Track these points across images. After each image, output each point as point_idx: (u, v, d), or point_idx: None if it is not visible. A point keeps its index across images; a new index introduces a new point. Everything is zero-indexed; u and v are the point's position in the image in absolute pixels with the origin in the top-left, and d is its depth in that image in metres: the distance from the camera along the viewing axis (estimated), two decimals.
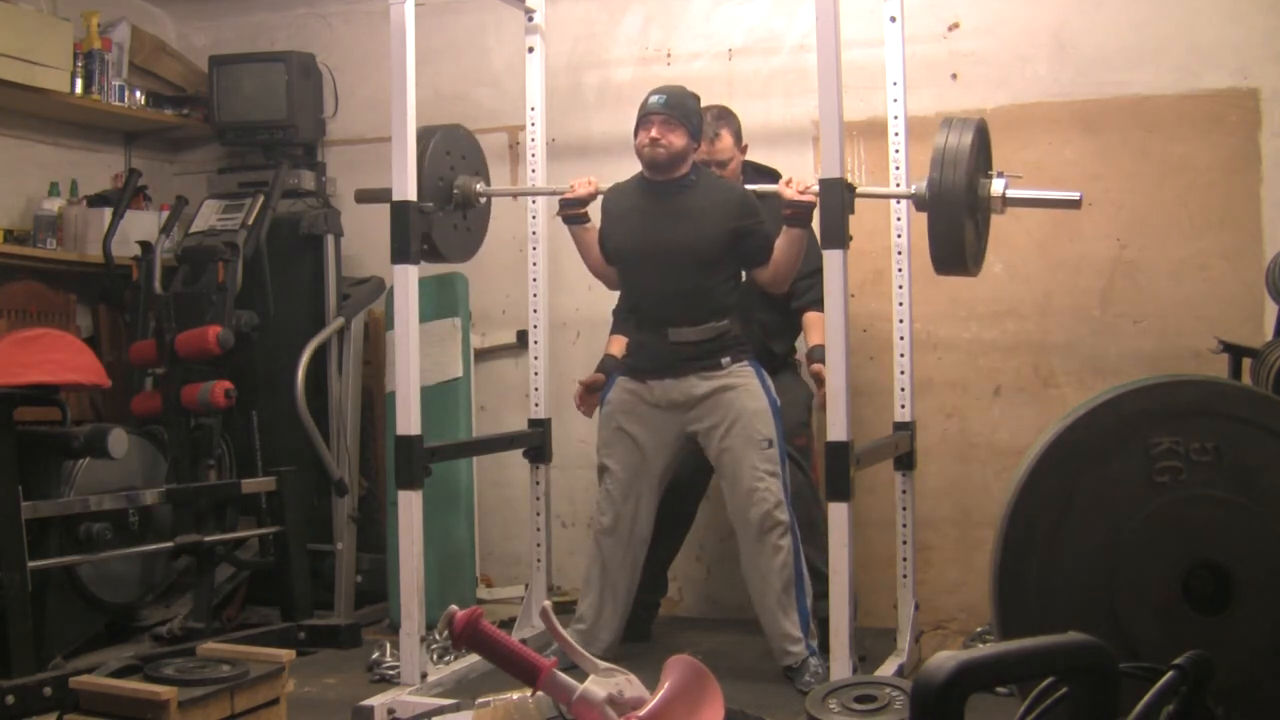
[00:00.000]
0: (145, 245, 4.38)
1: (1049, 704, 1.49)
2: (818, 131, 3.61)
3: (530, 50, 4.00)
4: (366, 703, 3.13)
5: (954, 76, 4.12)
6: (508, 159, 4.70)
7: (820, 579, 3.32)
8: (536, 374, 4.02)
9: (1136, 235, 3.93)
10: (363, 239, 4.63)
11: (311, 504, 4.32)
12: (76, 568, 3.67)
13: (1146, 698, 1.49)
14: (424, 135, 3.46)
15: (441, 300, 4.35)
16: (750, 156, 3.96)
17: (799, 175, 4.08)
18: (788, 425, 3.61)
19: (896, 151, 3.68)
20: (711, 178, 3.59)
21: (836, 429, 3.00)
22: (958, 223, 3.07)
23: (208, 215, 4.51)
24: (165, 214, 4.62)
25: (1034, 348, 4.03)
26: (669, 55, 4.50)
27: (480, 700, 2.31)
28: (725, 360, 3.48)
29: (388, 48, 3.25)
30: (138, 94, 4.74)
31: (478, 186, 3.70)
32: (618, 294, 4.02)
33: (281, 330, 4.30)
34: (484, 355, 4.66)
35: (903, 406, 3.69)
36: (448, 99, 4.69)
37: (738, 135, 3.86)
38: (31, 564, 3.34)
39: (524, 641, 2.83)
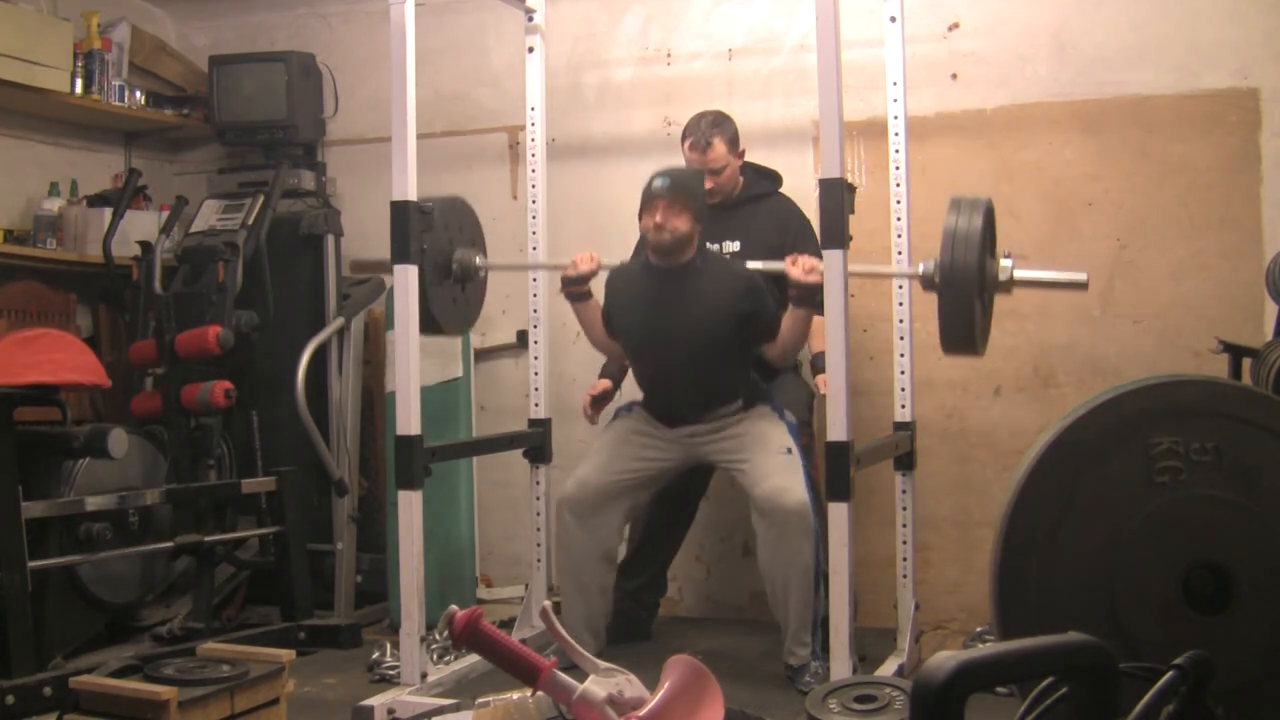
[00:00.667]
0: (145, 245, 4.38)
1: (1049, 704, 1.49)
2: (818, 131, 3.61)
3: (530, 50, 4.00)
4: (366, 703, 3.13)
5: (954, 76, 4.12)
6: (508, 159, 4.70)
7: (821, 579, 3.32)
8: (536, 374, 4.02)
9: (1136, 235, 3.93)
10: (363, 239, 4.63)
11: (311, 504, 4.32)
12: (76, 568, 3.66)
13: (1146, 698, 1.49)
14: (424, 209, 3.39)
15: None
16: (750, 157, 3.96)
17: (799, 176, 4.13)
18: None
19: (896, 151, 3.68)
20: (716, 260, 3.57)
21: (836, 429, 3.00)
22: (968, 305, 3.07)
23: (208, 215, 4.51)
24: (165, 214, 4.62)
25: (1034, 348, 4.03)
26: (669, 55, 4.50)
27: (480, 700, 2.31)
28: (739, 403, 3.52)
29: (388, 48, 3.25)
30: (138, 94, 4.75)
31: (477, 260, 3.71)
32: None
33: (281, 330, 4.30)
34: (484, 355, 4.66)
35: (903, 406, 3.69)
36: (448, 99, 4.69)
37: (733, 141, 3.84)
38: (31, 564, 3.34)
39: (524, 641, 2.83)
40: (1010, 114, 4.04)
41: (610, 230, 4.39)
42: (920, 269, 3.19)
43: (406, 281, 3.27)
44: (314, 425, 4.19)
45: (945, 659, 1.29)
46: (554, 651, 2.40)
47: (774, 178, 4.01)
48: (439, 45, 4.63)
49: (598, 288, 3.67)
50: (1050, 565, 2.20)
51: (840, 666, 3.00)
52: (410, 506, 3.24)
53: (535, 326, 4.04)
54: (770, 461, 3.40)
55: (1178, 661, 1.52)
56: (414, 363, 3.27)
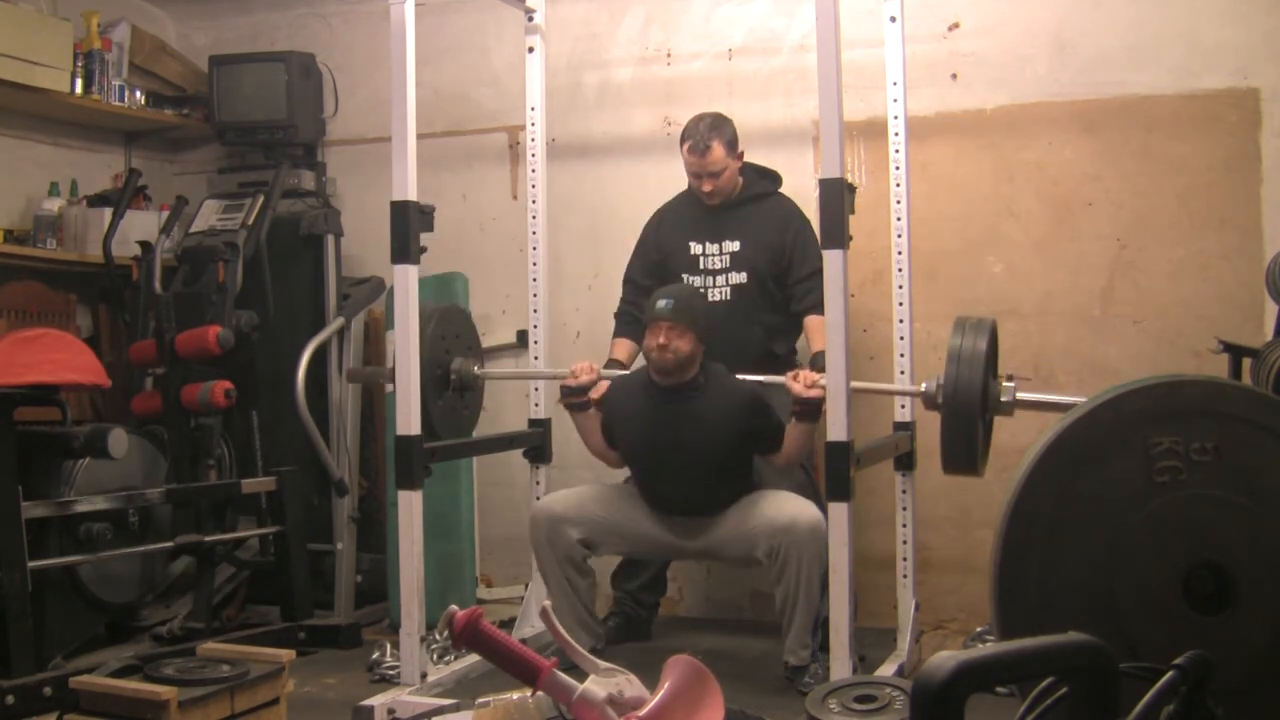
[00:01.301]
0: (145, 245, 4.38)
1: (1049, 704, 1.49)
2: (818, 131, 3.61)
3: (530, 50, 4.00)
4: (366, 703, 3.14)
5: (954, 76, 4.12)
6: (508, 159, 4.70)
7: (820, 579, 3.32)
8: None
9: (1136, 235, 3.93)
10: (363, 239, 4.63)
11: (311, 504, 4.32)
12: (76, 568, 3.66)
13: (1146, 698, 1.49)
14: (422, 319, 3.40)
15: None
16: (750, 157, 3.95)
17: (799, 176, 4.13)
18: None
19: (896, 151, 3.68)
20: (718, 377, 3.54)
21: (836, 429, 3.00)
22: (972, 426, 3.07)
23: (208, 215, 4.51)
24: (165, 214, 4.62)
25: (1034, 348, 4.03)
26: (669, 55, 4.50)
27: (480, 700, 2.31)
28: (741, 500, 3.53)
29: (388, 48, 3.25)
30: (138, 94, 4.75)
31: (475, 370, 3.70)
32: (619, 294, 4.03)
33: (281, 330, 4.30)
34: (484, 355, 4.65)
35: (903, 406, 3.70)
36: (448, 99, 4.69)
37: (731, 144, 3.83)
38: (31, 564, 3.34)
39: (524, 641, 2.83)
40: (1010, 114, 4.04)
41: (610, 231, 4.40)
42: (923, 388, 3.20)
43: (407, 281, 3.26)
44: (314, 425, 4.19)
45: (945, 659, 1.29)
46: (554, 651, 2.40)
47: (774, 178, 4.01)
48: (439, 45, 4.63)
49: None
50: (1050, 565, 2.20)
51: (840, 666, 3.01)
52: (410, 506, 3.24)
53: (535, 326, 4.04)
54: (777, 499, 3.45)
55: (1178, 661, 1.52)
56: (414, 363, 3.27)
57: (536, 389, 4.01)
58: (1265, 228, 3.78)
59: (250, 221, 4.35)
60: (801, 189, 4.03)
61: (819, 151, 3.38)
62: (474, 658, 3.38)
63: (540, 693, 2.20)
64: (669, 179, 4.08)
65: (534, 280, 4.03)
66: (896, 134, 3.68)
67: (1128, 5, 3.94)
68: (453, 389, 3.69)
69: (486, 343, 4.65)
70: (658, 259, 3.96)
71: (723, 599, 4.40)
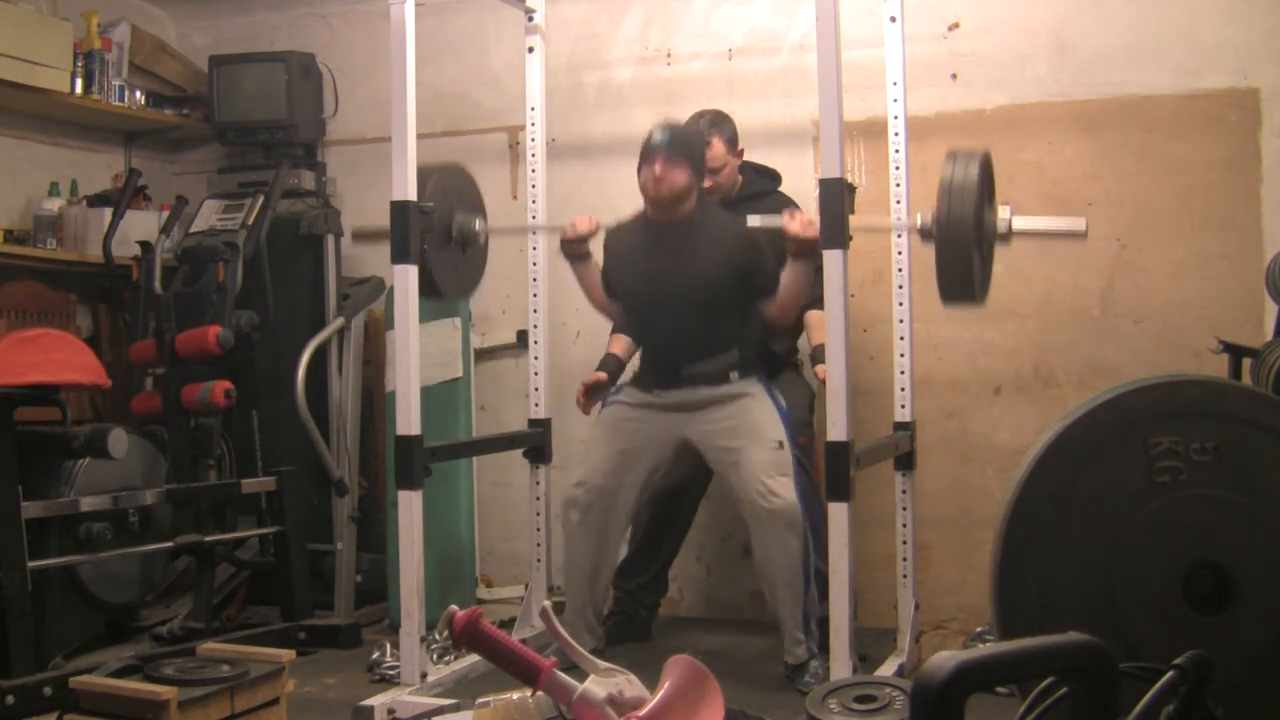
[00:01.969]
0: (145, 245, 4.38)
1: (1049, 704, 1.49)
2: (818, 131, 3.60)
3: (530, 50, 4.00)
4: (366, 703, 3.13)
5: (954, 76, 4.12)
6: (508, 159, 4.70)
7: (821, 579, 3.32)
8: (536, 374, 4.02)
9: (1136, 235, 3.93)
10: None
11: (311, 504, 4.32)
12: (76, 568, 3.66)
13: (1146, 698, 1.49)
14: (422, 177, 3.38)
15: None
16: (750, 157, 3.96)
17: (799, 176, 4.13)
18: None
19: (896, 151, 3.68)
20: (714, 214, 3.54)
21: (836, 429, 3.00)
22: (966, 255, 3.06)
23: (208, 215, 4.51)
24: (165, 214, 4.62)
25: (1034, 348, 4.03)
26: (669, 55, 4.50)
27: (480, 700, 2.31)
28: (734, 375, 3.49)
29: (388, 48, 3.25)
30: (138, 94, 4.75)
31: (477, 224, 3.70)
32: None
33: (281, 330, 4.30)
34: (484, 355, 4.66)
35: (903, 406, 3.69)
36: (448, 99, 4.69)
37: (731, 141, 3.84)
38: (31, 564, 3.34)
39: (524, 641, 2.83)
40: (1010, 114, 4.04)
41: None
42: (918, 220, 3.17)
43: (407, 281, 3.26)
44: (314, 425, 4.19)
45: (945, 659, 1.29)
46: (554, 651, 2.40)
47: (773, 176, 4.01)
48: (439, 45, 4.63)
49: (597, 243, 3.65)
50: (1050, 565, 2.20)
51: (840, 666, 3.00)
52: (410, 506, 3.24)
53: (535, 326, 4.04)
54: (761, 457, 3.38)
55: (1178, 661, 1.53)
56: (414, 363, 3.27)
57: (537, 389, 4.01)
58: (1265, 228, 3.78)
59: (250, 221, 4.35)
60: (801, 189, 4.03)
61: (819, 151, 3.37)
62: (474, 658, 3.38)
63: (540, 693, 2.21)
64: None
65: (534, 280, 4.03)
66: (896, 134, 3.68)
67: (1128, 5, 3.94)
68: (454, 243, 3.63)
69: (486, 343, 4.66)
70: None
71: (723, 599, 4.40)
